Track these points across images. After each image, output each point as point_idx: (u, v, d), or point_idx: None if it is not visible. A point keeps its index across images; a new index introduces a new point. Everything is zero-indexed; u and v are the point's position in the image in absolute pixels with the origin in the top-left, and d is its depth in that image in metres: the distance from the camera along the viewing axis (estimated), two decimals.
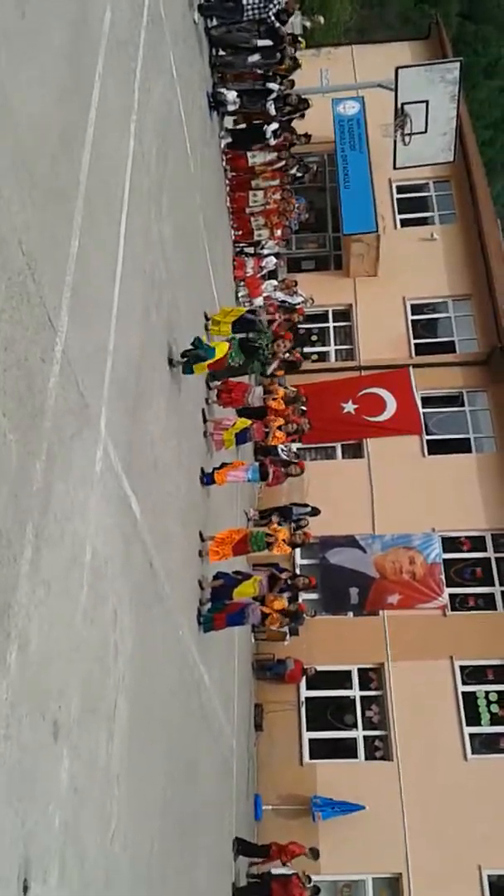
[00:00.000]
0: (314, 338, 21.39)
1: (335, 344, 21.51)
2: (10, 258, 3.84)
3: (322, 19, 16.09)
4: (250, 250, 16.75)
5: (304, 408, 13.92)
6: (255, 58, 13.75)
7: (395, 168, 19.83)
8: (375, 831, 14.86)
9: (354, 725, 16.71)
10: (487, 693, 16.76)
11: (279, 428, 12.14)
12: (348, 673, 17.13)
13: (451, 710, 16.42)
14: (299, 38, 13.67)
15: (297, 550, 17.74)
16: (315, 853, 13.47)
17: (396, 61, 19.78)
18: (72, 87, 5.03)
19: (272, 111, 14.42)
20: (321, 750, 16.41)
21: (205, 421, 10.66)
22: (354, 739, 16.55)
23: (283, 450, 12.86)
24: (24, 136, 4.07)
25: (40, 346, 4.25)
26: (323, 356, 21.25)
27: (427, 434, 19.44)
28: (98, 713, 5.10)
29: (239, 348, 9.79)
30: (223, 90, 13.65)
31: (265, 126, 14.74)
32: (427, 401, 19.90)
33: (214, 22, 12.91)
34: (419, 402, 19.49)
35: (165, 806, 7.10)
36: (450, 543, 18.17)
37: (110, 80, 5.93)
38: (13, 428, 3.84)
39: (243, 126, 15.04)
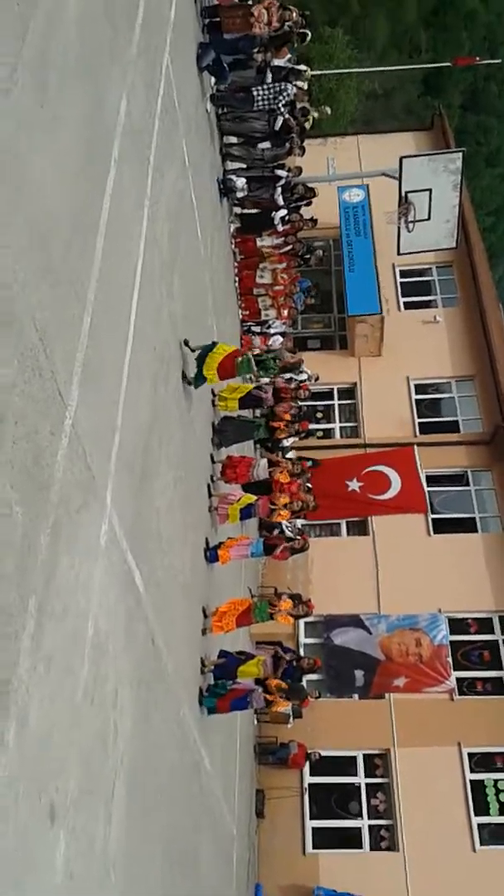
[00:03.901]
0: (319, 415, 21.58)
1: (340, 421, 21.69)
2: (23, 335, 3.93)
3: (329, 110, 16.73)
4: (258, 329, 17.05)
5: (309, 485, 13.92)
6: (264, 146, 14.27)
7: (398, 254, 20.33)
8: None
9: (359, 814, 16.19)
10: (496, 781, 16.29)
11: (284, 506, 12.13)
12: (353, 758, 16.69)
13: (459, 799, 15.92)
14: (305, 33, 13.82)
15: (302, 631, 17.52)
16: None
17: (401, 151, 20.51)
18: (88, 173, 5.22)
19: (280, 200, 14.89)
20: (325, 839, 15.86)
21: (210, 495, 10.68)
22: (359, 829, 16.02)
23: (287, 526, 12.80)
24: (41, 219, 4.22)
25: (50, 420, 4.30)
26: (328, 433, 21.39)
27: (432, 513, 19.39)
28: (96, 795, 4.96)
29: (248, 361, 9.93)
30: (233, 177, 14.14)
31: (273, 213, 15.21)
32: (432, 479, 19.91)
33: (225, 111, 13.46)
34: (424, 481, 19.48)
35: (164, 892, 6.83)
36: (456, 625, 17.91)
37: (125, 167, 6.15)
38: (20, 500, 3.85)
39: (252, 211, 15.51)
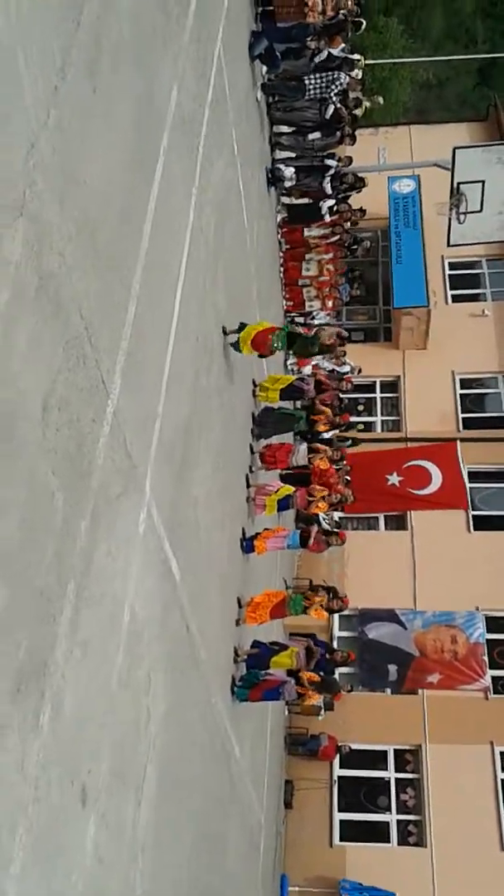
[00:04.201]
0: (360, 407, 21.43)
1: (382, 415, 21.52)
2: (69, 323, 3.95)
3: (381, 100, 16.46)
4: (301, 320, 16.97)
5: (348, 477, 13.85)
6: (315, 135, 14.16)
7: (448, 246, 20.01)
8: None
9: (388, 808, 16.13)
10: None
11: (322, 498, 12.08)
12: (384, 753, 16.62)
13: (490, 798, 15.78)
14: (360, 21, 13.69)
15: (336, 624, 17.48)
16: None
17: (453, 142, 20.16)
18: (137, 160, 5.23)
19: (328, 189, 14.76)
20: (352, 832, 15.84)
21: (248, 486, 10.68)
22: (387, 823, 15.96)
23: (324, 518, 12.76)
24: (90, 206, 4.23)
25: (93, 408, 4.33)
26: (369, 426, 21.24)
27: (473, 509, 19.16)
28: (127, 780, 5.01)
29: (285, 337, 9.86)
30: (281, 166, 14.05)
31: (321, 202, 15.09)
32: (474, 475, 19.67)
33: (276, 100, 13.37)
34: (466, 477, 19.28)
35: (190, 881, 6.89)
36: (493, 623, 17.70)
37: (174, 155, 6.15)
38: (62, 486, 3.89)
39: (300, 201, 15.41)
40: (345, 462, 14.05)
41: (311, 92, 13.14)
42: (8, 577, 3.35)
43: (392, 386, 21.73)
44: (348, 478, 13.75)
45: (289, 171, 14.07)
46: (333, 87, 13.33)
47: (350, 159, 15.32)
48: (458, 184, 18.55)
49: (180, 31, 6.52)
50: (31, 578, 3.60)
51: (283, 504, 10.91)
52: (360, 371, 16.68)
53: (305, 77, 13.12)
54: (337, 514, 13.96)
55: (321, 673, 11.29)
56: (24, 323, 3.46)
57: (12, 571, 3.41)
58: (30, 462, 3.57)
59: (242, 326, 9.23)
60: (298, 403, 13.73)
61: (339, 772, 16.33)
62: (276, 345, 9.64)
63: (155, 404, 5.72)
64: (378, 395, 21.68)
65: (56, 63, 3.80)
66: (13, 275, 3.36)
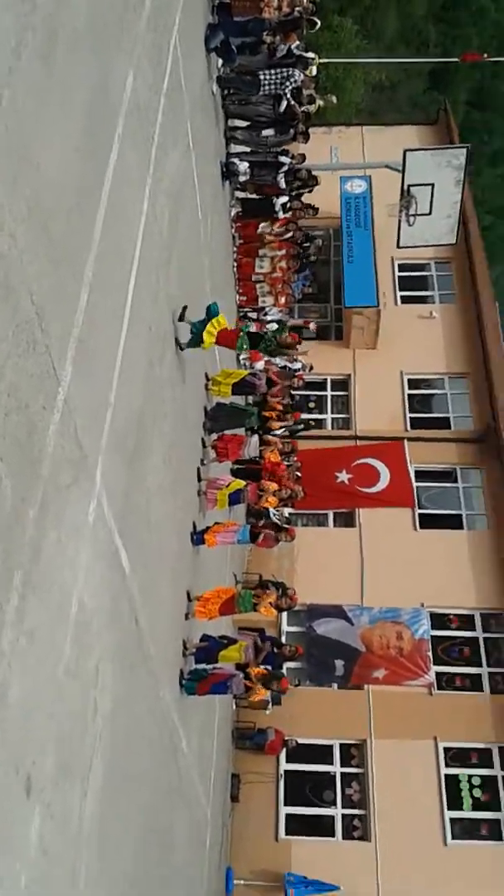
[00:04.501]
0: (311, 405, 21.54)
1: (332, 412, 21.67)
2: (19, 307, 3.89)
3: (335, 99, 16.58)
4: (254, 315, 16.99)
5: (298, 474, 13.91)
6: (268, 132, 14.19)
7: (398, 247, 20.26)
8: None
9: (333, 802, 16.26)
10: (471, 777, 16.37)
11: (273, 493, 12.12)
12: (330, 748, 16.75)
13: (433, 793, 16.01)
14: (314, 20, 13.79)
15: (284, 618, 17.54)
16: None
17: (404, 144, 20.43)
18: (91, 147, 5.17)
19: (282, 184, 14.81)
20: (298, 826, 15.93)
21: (199, 479, 10.67)
22: (333, 817, 16.09)
23: (274, 514, 12.80)
24: (42, 190, 4.17)
25: (43, 394, 4.28)
26: (319, 423, 21.37)
27: (419, 508, 19.42)
28: (73, 771, 4.96)
29: (248, 337, 9.92)
30: (236, 160, 14.05)
31: (275, 199, 15.13)
32: (420, 475, 19.95)
33: (231, 93, 13.36)
34: (413, 476, 19.54)
35: (136, 873, 6.86)
36: (438, 620, 17.97)
37: (128, 143, 6.10)
38: (10, 473, 3.83)
39: (254, 196, 15.42)
40: (295, 458, 14.13)
41: (266, 87, 13.18)
42: None
43: (342, 384, 21.90)
44: (298, 474, 13.81)
45: (243, 166, 14.09)
46: (288, 83, 13.39)
47: (303, 157, 15.40)
48: (409, 186, 18.81)
49: (137, 20, 6.48)
50: None
51: (234, 498, 10.92)
52: (311, 368, 16.73)
53: (260, 72, 13.16)
54: (287, 510, 14.02)
55: (269, 668, 11.32)
56: None
57: None
58: None
59: (201, 324, 9.23)
60: (250, 399, 13.75)
61: (285, 766, 16.40)
62: (243, 346, 9.76)
63: (107, 393, 5.67)
64: (329, 392, 21.83)
65: (10, 44, 3.74)
66: None
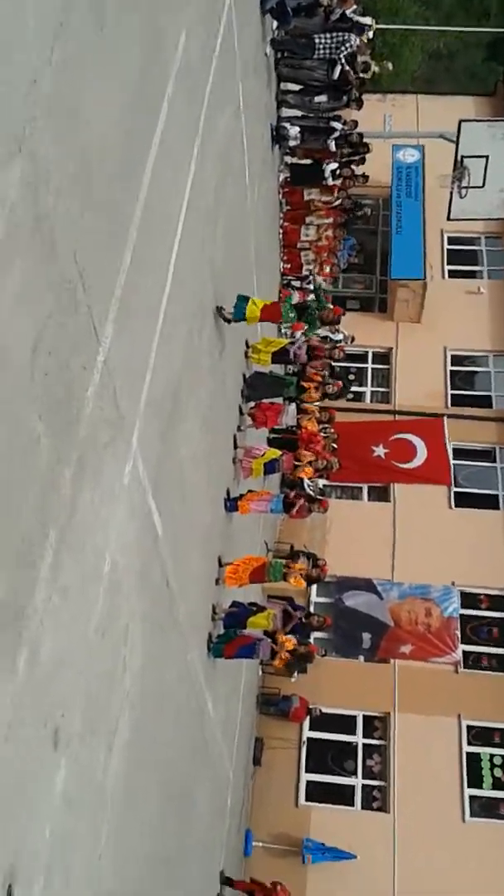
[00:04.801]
0: (351, 377, 21.38)
1: (372, 386, 21.50)
2: (63, 265, 3.89)
3: (391, 66, 16.20)
4: (297, 283, 16.84)
5: (335, 445, 13.85)
6: (321, 98, 13.94)
7: (448, 219, 19.82)
8: (364, 882, 14.52)
9: (354, 772, 16.41)
10: (492, 756, 16.41)
11: (309, 463, 12.09)
12: (353, 718, 16.87)
13: (454, 770, 16.07)
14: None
15: (314, 588, 17.60)
16: None
17: (460, 114, 19.90)
18: (141, 106, 5.12)
19: (333, 148, 14.57)
20: (318, 793, 16.12)
21: (235, 447, 10.67)
22: (353, 787, 16.24)
23: (309, 485, 12.79)
24: (90, 148, 4.15)
25: (83, 355, 4.29)
26: (358, 396, 21.23)
27: (455, 486, 19.26)
28: (100, 727, 5.05)
29: (293, 307, 9.86)
30: (286, 125, 13.84)
31: (325, 165, 14.90)
32: (459, 453, 19.73)
33: (285, 56, 13.13)
34: (451, 453, 19.33)
35: (157, 829, 7.00)
36: (468, 599, 17.90)
37: (178, 104, 6.03)
38: (48, 432, 3.86)
39: (303, 162, 15.21)
40: (332, 428, 14.05)
41: (321, 51, 12.93)
42: None
43: (384, 357, 21.69)
44: (335, 445, 13.75)
45: (294, 130, 13.86)
46: (343, 48, 13.11)
47: (355, 123, 15.09)
48: (462, 157, 18.34)
49: None
50: (13, 522, 3.58)
51: (270, 467, 10.91)
52: (353, 340, 16.56)
53: (316, 35, 12.89)
54: (321, 482, 13.98)
55: (297, 636, 11.37)
56: (16, 264, 3.39)
57: None
58: (16, 405, 3.53)
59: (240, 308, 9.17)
60: (290, 368, 13.67)
61: (308, 733, 16.56)
62: (289, 314, 9.69)
63: (146, 357, 5.67)
64: (369, 365, 21.64)
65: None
66: (8, 214, 3.29)
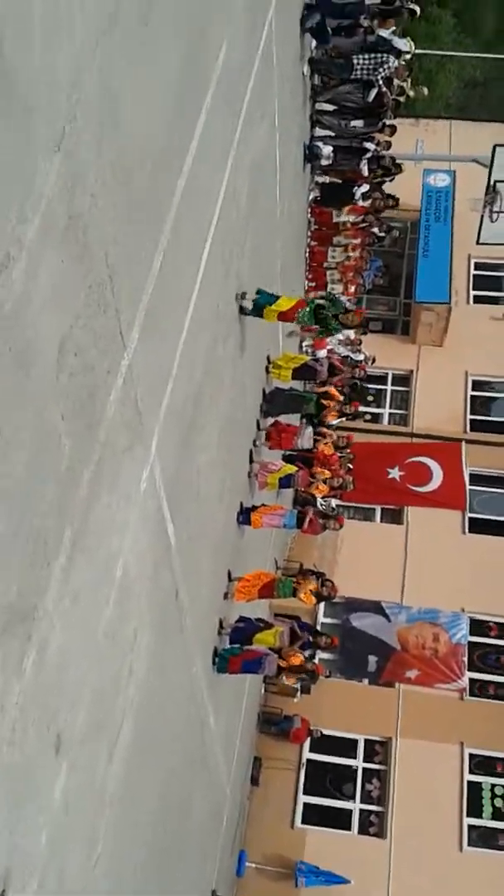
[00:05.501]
0: (370, 398, 21.33)
1: (390, 408, 21.44)
2: (94, 268, 3.89)
3: (426, 91, 16.25)
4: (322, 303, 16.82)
5: (350, 465, 13.80)
6: (356, 123, 13.96)
7: (478, 243, 19.84)
8: None
9: (352, 797, 16.20)
10: (493, 786, 16.17)
11: (324, 480, 12.05)
12: (354, 742, 16.68)
13: (454, 798, 15.85)
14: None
15: (321, 609, 17.49)
16: None
17: (493, 140, 19.87)
18: (179, 116, 5.14)
19: (365, 171, 14.59)
20: (315, 816, 15.91)
21: (251, 461, 10.64)
22: (350, 811, 16.04)
23: (322, 504, 12.74)
24: (127, 151, 4.16)
25: (108, 358, 4.28)
26: (376, 418, 21.17)
27: (470, 511, 19.14)
28: (102, 732, 5.01)
29: (312, 312, 9.77)
30: (319, 144, 13.87)
31: (355, 187, 14.91)
32: (474, 478, 19.62)
33: (322, 75, 13.18)
34: (467, 479, 19.24)
35: (152, 839, 6.93)
36: (477, 626, 17.72)
37: (215, 115, 6.05)
38: (69, 433, 3.85)
39: (335, 181, 15.23)
40: (349, 450, 14.00)
41: (358, 72, 12.95)
42: (6, 516, 3.32)
43: (404, 380, 21.62)
44: (350, 465, 13.70)
45: (327, 150, 13.87)
46: (381, 70, 13.12)
47: (389, 144, 15.09)
48: (495, 182, 18.37)
49: None
50: (29, 520, 3.56)
51: (285, 482, 10.88)
52: (374, 361, 16.56)
53: (354, 56, 12.93)
54: (334, 501, 13.93)
55: (304, 654, 11.29)
56: (48, 261, 3.40)
57: (12, 511, 3.37)
58: (40, 403, 3.52)
59: (266, 297, 9.12)
60: (309, 385, 13.65)
61: (308, 755, 16.39)
62: (304, 318, 9.60)
63: (170, 364, 5.66)
64: (389, 387, 21.59)
65: (109, 6, 3.72)
66: (44, 210, 3.30)
